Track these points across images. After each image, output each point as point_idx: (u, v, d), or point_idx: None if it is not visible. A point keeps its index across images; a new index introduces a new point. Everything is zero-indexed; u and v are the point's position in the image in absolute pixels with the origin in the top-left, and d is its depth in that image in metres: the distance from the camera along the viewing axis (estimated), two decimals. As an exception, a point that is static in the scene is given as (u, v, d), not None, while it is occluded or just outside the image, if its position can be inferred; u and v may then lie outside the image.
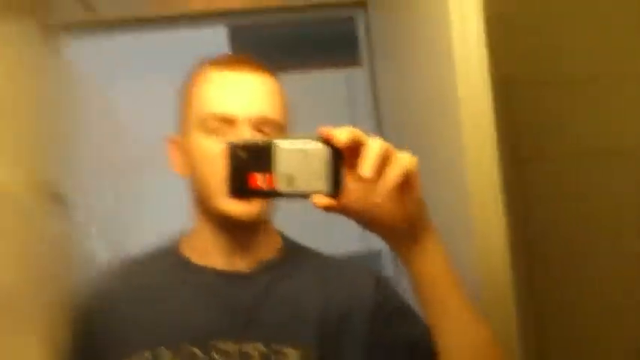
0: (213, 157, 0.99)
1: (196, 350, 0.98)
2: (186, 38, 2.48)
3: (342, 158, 0.76)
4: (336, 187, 0.76)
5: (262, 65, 1.06)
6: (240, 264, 1.05)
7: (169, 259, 1.08)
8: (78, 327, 0.93)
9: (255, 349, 0.99)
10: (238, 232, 1.04)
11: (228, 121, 1.00)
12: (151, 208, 2.50)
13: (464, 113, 1.30)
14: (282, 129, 1.04)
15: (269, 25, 3.70)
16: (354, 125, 0.77)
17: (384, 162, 0.77)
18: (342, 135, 0.76)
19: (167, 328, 1.00)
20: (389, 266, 2.23)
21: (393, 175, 0.77)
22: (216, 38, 3.70)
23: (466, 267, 1.19)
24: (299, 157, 0.75)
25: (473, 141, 1.30)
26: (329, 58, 3.28)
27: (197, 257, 1.07)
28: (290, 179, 0.75)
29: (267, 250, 1.09)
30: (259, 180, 0.75)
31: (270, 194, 0.76)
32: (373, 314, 1.05)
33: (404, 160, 0.79)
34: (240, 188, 0.76)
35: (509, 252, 1.28)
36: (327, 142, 0.76)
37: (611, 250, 1.66)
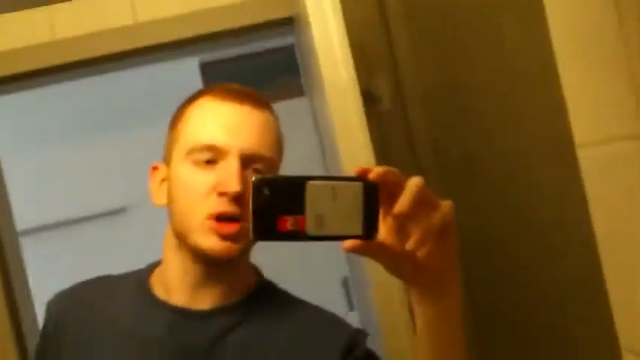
0: (196, 188, 0.95)
1: None
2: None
3: (378, 198, 0.69)
4: (370, 229, 0.69)
5: (260, 98, 1.02)
6: (204, 302, 1.00)
7: (135, 288, 1.05)
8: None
9: None
10: (212, 269, 0.99)
11: (218, 153, 0.95)
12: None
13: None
14: (274, 167, 0.99)
15: (240, 57, 3.69)
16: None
17: (422, 203, 0.69)
18: (380, 170, 0.69)
19: None
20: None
21: (434, 220, 0.70)
22: (190, 73, 3.71)
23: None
24: (330, 196, 0.68)
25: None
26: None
27: (161, 290, 1.02)
28: (321, 220, 0.67)
29: (236, 288, 1.03)
30: (290, 222, 0.67)
31: (301, 237, 0.68)
32: None
33: (445, 207, 0.71)
34: (266, 230, 0.67)
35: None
36: (361, 179, 0.69)
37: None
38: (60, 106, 3.55)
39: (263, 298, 1.04)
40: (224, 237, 0.94)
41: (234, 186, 0.92)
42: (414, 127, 1.59)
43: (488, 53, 1.54)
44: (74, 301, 1.06)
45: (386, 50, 1.67)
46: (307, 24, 1.53)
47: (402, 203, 0.67)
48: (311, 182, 0.67)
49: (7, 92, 1.88)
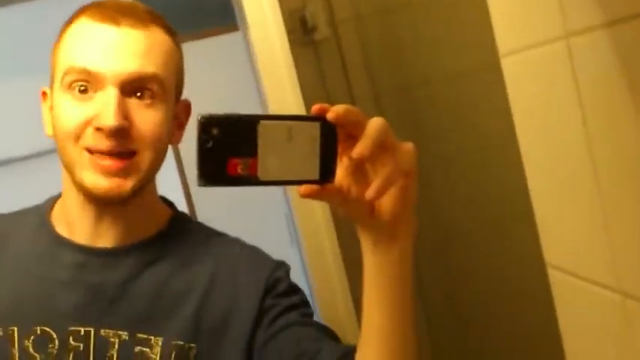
0: (72, 121, 0.87)
1: (52, 333, 0.90)
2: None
3: (336, 139, 0.64)
4: (326, 173, 0.64)
5: (144, 15, 0.92)
6: (107, 240, 0.94)
7: (35, 225, 0.98)
8: None
9: (116, 336, 0.91)
10: (107, 207, 0.93)
11: (93, 80, 0.87)
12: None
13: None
14: (164, 93, 0.90)
15: None
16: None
17: (383, 147, 0.64)
18: (339, 109, 0.63)
19: (23, 304, 0.92)
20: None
21: (395, 166, 0.64)
22: None
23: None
24: (285, 137, 0.63)
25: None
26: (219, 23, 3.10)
27: (62, 228, 0.96)
28: (275, 164, 0.62)
29: (144, 226, 0.97)
30: (240, 166, 0.61)
31: (252, 182, 0.62)
32: (258, 317, 0.93)
33: (406, 150, 0.66)
34: (214, 175, 0.61)
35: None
36: (319, 119, 0.64)
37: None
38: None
39: (178, 233, 0.99)
40: (109, 173, 0.87)
41: (109, 120, 0.84)
42: (349, 56, 1.53)
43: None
44: None
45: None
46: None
47: (362, 146, 0.62)
48: (264, 122, 0.62)
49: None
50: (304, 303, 0.98)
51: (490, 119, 1.57)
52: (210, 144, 0.60)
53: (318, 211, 1.10)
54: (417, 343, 0.79)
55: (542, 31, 0.66)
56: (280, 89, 1.14)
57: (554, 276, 0.76)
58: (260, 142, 0.61)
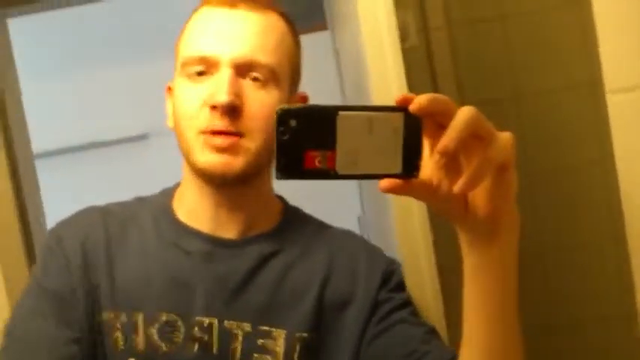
0: (188, 104, 0.89)
1: (178, 321, 0.90)
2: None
3: (421, 130, 0.60)
4: (410, 167, 0.61)
5: (266, 2, 0.93)
6: (229, 231, 0.95)
7: (158, 213, 0.98)
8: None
9: (239, 327, 0.90)
10: (224, 193, 0.93)
11: (209, 64, 0.88)
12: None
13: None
14: (278, 75, 0.91)
15: None
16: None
17: (476, 137, 0.59)
18: (423, 99, 0.59)
19: (149, 291, 0.91)
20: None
21: (488, 157, 0.60)
22: None
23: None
24: (366, 129, 0.59)
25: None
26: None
27: (185, 216, 0.97)
28: (354, 156, 0.60)
29: (262, 218, 0.98)
30: (318, 159, 0.59)
31: (331, 175, 0.60)
32: (373, 309, 0.93)
33: (503, 140, 0.61)
34: (292, 167, 0.59)
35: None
36: (402, 109, 0.60)
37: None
38: (83, 31, 3.49)
39: (293, 225, 1.00)
40: (219, 150, 0.88)
41: (221, 96, 0.86)
42: (439, 66, 1.53)
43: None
44: (87, 227, 0.96)
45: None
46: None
47: (447, 139, 0.58)
48: (343, 113, 0.59)
49: (28, 12, 1.84)
50: (412, 302, 0.97)
51: (579, 139, 1.55)
52: (288, 136, 0.59)
53: (416, 215, 1.10)
54: (521, 356, 0.73)
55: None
56: (387, 93, 1.15)
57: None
58: (339, 133, 0.59)
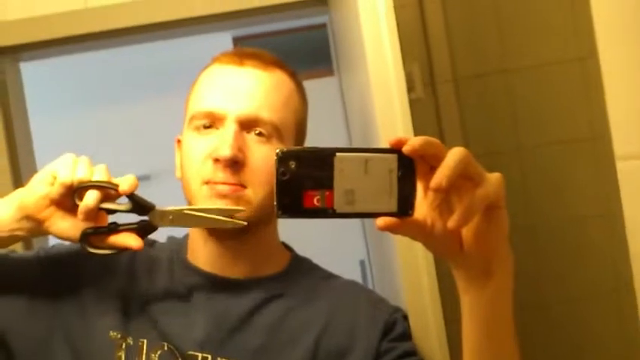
0: (194, 155, 0.92)
1: (176, 352, 0.91)
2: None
3: (415, 170, 0.63)
4: (405, 206, 0.63)
5: (268, 58, 0.97)
6: (234, 273, 0.97)
7: (173, 251, 1.02)
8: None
9: None
10: (226, 241, 0.95)
11: (216, 119, 0.92)
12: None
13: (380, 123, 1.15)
14: (281, 131, 0.93)
15: (270, 34, 3.65)
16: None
17: (466, 178, 0.62)
18: (416, 141, 0.61)
19: (155, 321, 0.93)
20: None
21: (478, 195, 0.62)
22: (223, 47, 3.66)
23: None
24: (362, 169, 0.62)
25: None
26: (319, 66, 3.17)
27: (192, 257, 1.00)
28: (351, 196, 0.62)
29: (267, 265, 0.99)
30: (317, 198, 0.62)
31: (329, 214, 0.62)
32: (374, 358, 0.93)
33: (492, 180, 0.63)
34: (291, 206, 0.62)
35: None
36: (396, 151, 0.62)
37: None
38: (86, 73, 3.55)
39: (298, 273, 1.01)
40: (221, 196, 0.90)
41: (225, 150, 0.88)
42: (446, 118, 1.56)
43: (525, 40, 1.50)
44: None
45: (420, 36, 1.63)
46: (346, 3, 1.50)
47: (440, 176, 0.60)
48: (340, 154, 0.62)
49: (39, 57, 1.89)
50: (417, 351, 0.97)
51: (583, 192, 1.57)
52: (288, 177, 0.61)
53: (421, 260, 1.10)
54: None
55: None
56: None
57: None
58: (336, 174, 0.62)
